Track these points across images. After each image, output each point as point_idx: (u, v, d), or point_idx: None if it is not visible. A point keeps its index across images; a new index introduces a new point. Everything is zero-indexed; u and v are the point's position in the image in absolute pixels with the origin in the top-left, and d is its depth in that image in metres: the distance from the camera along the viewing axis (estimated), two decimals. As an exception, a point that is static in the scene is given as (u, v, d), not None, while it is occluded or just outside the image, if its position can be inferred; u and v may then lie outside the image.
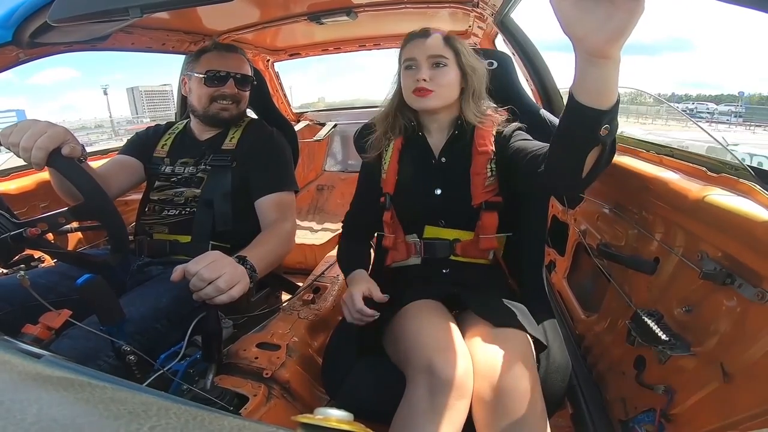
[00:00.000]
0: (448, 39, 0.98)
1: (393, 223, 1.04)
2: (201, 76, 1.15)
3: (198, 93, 1.17)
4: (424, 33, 0.99)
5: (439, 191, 1.01)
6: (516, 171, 0.91)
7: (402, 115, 1.06)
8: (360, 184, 1.15)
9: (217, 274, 0.76)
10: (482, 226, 0.99)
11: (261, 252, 0.94)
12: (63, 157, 0.80)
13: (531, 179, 0.85)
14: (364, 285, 0.93)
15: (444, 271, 1.02)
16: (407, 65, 0.99)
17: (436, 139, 1.05)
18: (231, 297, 0.77)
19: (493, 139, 1.00)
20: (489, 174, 0.98)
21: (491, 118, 1.02)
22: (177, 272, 0.77)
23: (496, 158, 0.98)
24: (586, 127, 0.63)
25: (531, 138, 0.96)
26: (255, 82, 1.26)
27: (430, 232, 1.03)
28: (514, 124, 1.01)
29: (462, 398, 0.71)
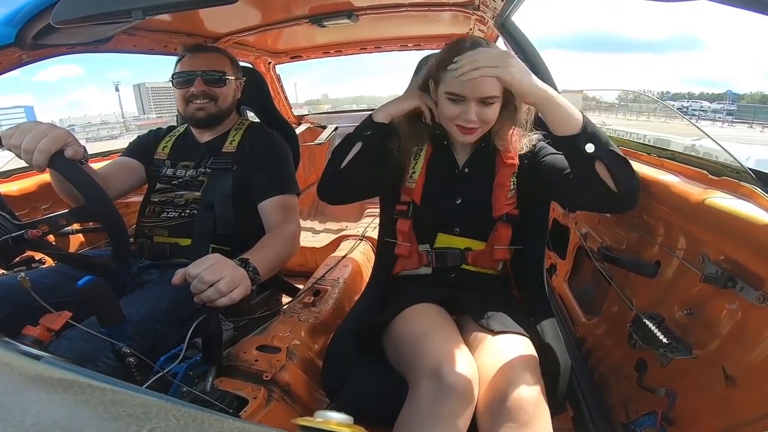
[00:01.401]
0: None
1: (409, 232, 1.03)
2: (172, 80, 1.18)
3: (176, 97, 1.20)
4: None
5: (459, 200, 1.01)
6: (550, 187, 0.94)
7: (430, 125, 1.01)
8: None
9: (218, 276, 0.76)
10: (498, 238, 0.99)
11: (264, 254, 0.93)
12: (65, 160, 0.80)
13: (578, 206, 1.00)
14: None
15: (452, 275, 1.02)
16: (451, 98, 0.89)
17: (461, 150, 1.04)
18: (232, 299, 0.78)
19: (518, 153, 1.00)
20: (512, 186, 0.98)
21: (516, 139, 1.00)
22: (178, 275, 0.77)
23: (518, 171, 0.98)
24: (573, 151, 0.77)
25: (555, 150, 0.95)
26: (233, 78, 1.22)
27: (443, 240, 1.02)
28: (535, 135, 1.00)
29: (466, 405, 0.71)
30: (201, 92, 1.17)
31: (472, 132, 0.92)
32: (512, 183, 0.99)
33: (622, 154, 0.79)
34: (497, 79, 0.79)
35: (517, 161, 0.99)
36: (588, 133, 0.75)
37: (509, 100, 0.94)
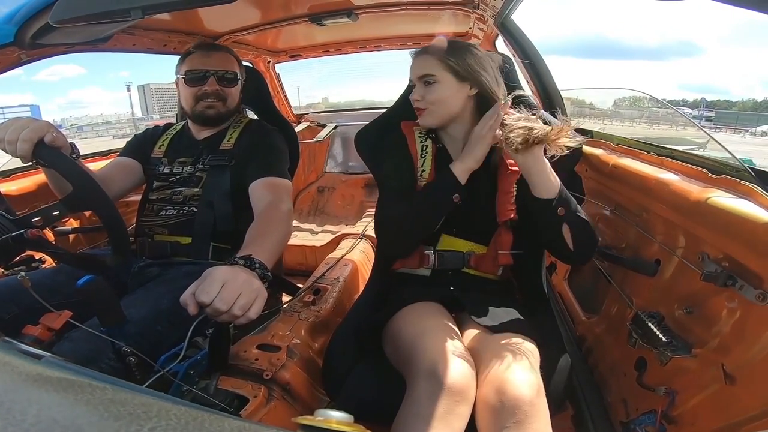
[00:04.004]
0: (440, 52, 0.96)
1: None
2: (183, 77, 1.18)
3: (184, 94, 1.19)
4: (420, 51, 1.00)
5: (459, 202, 0.98)
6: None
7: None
8: (392, 184, 1.06)
9: (232, 300, 0.68)
10: (500, 242, 0.99)
11: (264, 244, 0.87)
12: (48, 148, 0.81)
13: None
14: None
15: (450, 277, 1.01)
16: (410, 84, 1.02)
17: (454, 150, 1.04)
18: (249, 319, 0.71)
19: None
20: (514, 192, 0.98)
21: None
22: (190, 306, 0.69)
23: (520, 178, 0.97)
24: (546, 212, 0.87)
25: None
26: (241, 78, 1.24)
27: (446, 242, 1.02)
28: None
29: (464, 403, 0.71)
30: (213, 91, 1.17)
31: (420, 112, 1.00)
32: (514, 189, 0.98)
33: (586, 218, 0.90)
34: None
35: (519, 168, 0.98)
36: (561, 200, 0.86)
37: (467, 78, 0.96)
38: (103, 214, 0.85)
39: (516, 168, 0.98)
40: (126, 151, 1.25)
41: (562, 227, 0.88)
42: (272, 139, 1.22)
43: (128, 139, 1.35)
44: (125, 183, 1.19)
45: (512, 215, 0.98)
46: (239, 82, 1.23)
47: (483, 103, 0.98)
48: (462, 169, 0.94)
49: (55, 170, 0.83)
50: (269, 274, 0.79)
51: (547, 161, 0.87)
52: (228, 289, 0.68)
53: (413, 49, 1.03)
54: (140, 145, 1.25)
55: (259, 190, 1.08)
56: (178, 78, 1.20)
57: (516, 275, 1.08)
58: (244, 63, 1.30)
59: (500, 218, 0.98)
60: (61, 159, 0.83)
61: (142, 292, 0.98)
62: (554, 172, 0.87)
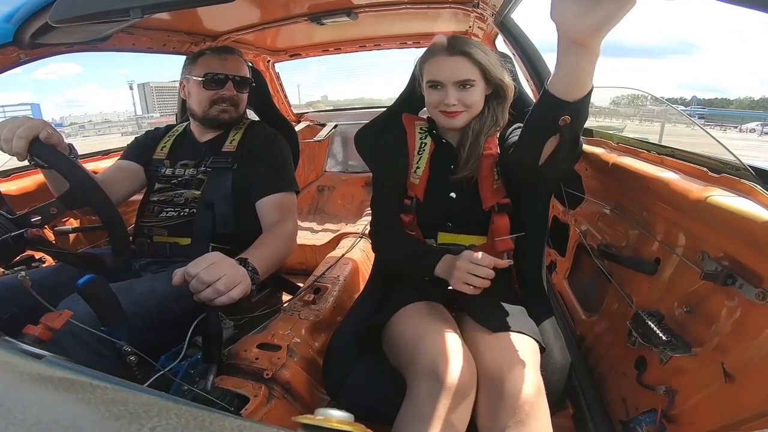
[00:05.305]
0: (474, 56, 0.92)
1: (413, 227, 1.04)
2: (200, 79, 1.15)
3: (198, 96, 1.17)
4: (449, 51, 0.93)
5: (454, 195, 1.02)
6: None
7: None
8: (384, 180, 1.10)
9: (217, 276, 0.76)
10: (495, 229, 1.00)
11: (261, 254, 0.93)
12: (43, 145, 0.82)
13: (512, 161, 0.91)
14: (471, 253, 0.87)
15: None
16: (431, 85, 0.96)
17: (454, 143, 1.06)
18: (231, 299, 0.77)
19: (497, 141, 1.00)
20: (496, 177, 0.99)
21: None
22: (178, 276, 0.76)
23: (499, 159, 0.99)
24: (547, 113, 0.68)
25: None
26: (254, 84, 1.26)
27: (444, 238, 1.03)
28: (516, 124, 1.02)
29: (464, 403, 0.71)
30: (230, 96, 1.18)
31: (455, 115, 0.95)
32: (496, 173, 0.99)
33: (579, 145, 0.76)
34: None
35: (496, 151, 1.00)
36: (578, 106, 0.66)
37: (493, 83, 0.97)
38: (101, 211, 0.85)
39: (491, 151, 0.99)
40: (127, 155, 1.24)
41: (548, 137, 0.72)
42: (276, 144, 1.23)
43: (135, 136, 1.34)
44: (128, 187, 1.19)
45: (497, 200, 0.99)
46: (249, 86, 1.24)
47: (491, 99, 1.00)
48: (440, 273, 0.91)
49: (51, 167, 0.84)
50: (258, 277, 0.86)
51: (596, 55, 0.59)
52: (216, 266, 0.77)
53: (442, 47, 0.95)
54: (142, 148, 1.25)
55: (267, 209, 1.11)
56: (189, 79, 1.18)
57: (517, 269, 1.08)
58: (243, 62, 1.30)
59: (485, 205, 0.99)
60: (56, 155, 0.83)
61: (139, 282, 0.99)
62: (591, 76, 0.63)
